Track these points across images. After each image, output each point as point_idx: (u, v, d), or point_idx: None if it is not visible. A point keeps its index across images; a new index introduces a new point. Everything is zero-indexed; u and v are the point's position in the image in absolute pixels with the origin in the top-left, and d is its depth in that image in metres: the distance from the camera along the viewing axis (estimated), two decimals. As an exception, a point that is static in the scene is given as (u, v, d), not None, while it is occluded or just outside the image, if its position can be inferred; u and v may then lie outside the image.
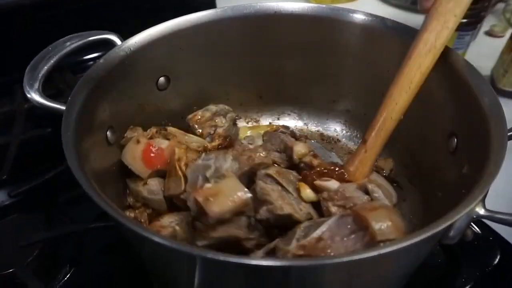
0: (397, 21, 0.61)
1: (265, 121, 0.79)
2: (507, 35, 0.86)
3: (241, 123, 0.76)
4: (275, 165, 0.59)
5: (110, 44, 0.60)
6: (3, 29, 0.85)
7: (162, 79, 0.65)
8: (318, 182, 0.52)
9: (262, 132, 0.68)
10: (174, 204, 0.56)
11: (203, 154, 0.57)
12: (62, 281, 0.58)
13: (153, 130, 0.61)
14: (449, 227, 0.39)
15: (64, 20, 0.90)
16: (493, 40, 1.03)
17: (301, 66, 0.70)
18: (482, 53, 0.94)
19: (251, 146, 0.62)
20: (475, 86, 0.50)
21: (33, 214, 0.64)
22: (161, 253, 0.42)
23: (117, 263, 0.61)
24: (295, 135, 0.68)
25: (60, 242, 0.62)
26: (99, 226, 0.60)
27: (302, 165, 0.59)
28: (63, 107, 0.49)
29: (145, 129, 0.62)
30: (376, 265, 0.39)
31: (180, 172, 0.54)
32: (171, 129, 0.63)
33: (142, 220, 0.57)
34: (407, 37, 0.59)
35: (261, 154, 0.56)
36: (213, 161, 0.54)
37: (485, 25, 1.01)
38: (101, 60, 0.55)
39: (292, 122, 0.78)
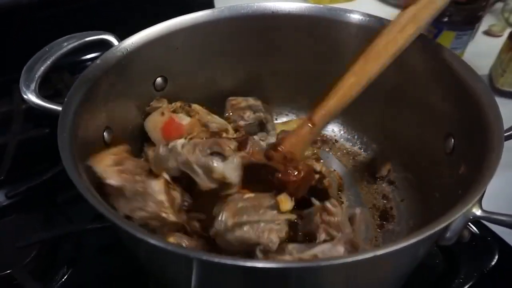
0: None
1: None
2: (506, 35, 0.86)
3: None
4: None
5: (107, 45, 0.59)
6: (1, 29, 0.85)
7: (159, 79, 0.65)
8: (328, 207, 0.50)
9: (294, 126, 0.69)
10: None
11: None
12: (60, 282, 0.58)
13: (178, 104, 0.64)
14: (446, 228, 0.39)
15: (63, 20, 0.89)
16: (491, 40, 1.02)
17: (298, 67, 0.70)
18: (480, 53, 0.94)
19: (263, 143, 0.63)
20: (472, 86, 0.50)
21: (31, 214, 0.64)
22: (157, 255, 0.42)
23: (115, 264, 0.60)
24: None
25: (58, 242, 0.62)
26: (97, 227, 0.60)
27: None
28: (60, 108, 0.49)
29: (143, 130, 0.62)
30: (373, 266, 0.39)
31: None
32: (195, 106, 0.64)
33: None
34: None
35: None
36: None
37: (484, 25, 1.01)
38: (98, 61, 0.55)
39: (290, 122, 0.78)
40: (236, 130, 0.66)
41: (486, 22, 1.03)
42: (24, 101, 0.53)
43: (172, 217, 0.47)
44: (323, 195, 0.56)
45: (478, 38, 1.00)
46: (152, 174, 0.51)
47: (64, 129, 0.46)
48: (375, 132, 0.72)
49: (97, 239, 0.63)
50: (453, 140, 0.53)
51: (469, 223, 0.42)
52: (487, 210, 0.40)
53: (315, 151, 0.68)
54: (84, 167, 0.46)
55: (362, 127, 0.74)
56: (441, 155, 0.54)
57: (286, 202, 0.47)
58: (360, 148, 0.74)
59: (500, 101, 0.46)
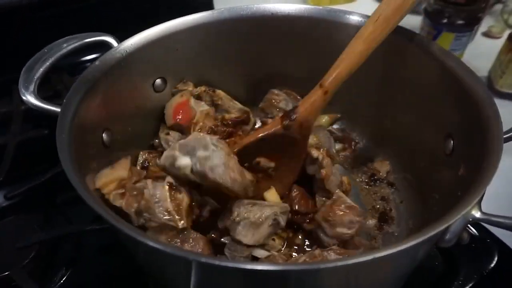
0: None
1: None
2: (505, 36, 0.86)
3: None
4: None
5: (107, 46, 0.59)
6: (1, 29, 0.85)
7: (158, 80, 0.65)
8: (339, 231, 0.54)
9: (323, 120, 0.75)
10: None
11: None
12: (59, 283, 0.58)
13: (202, 88, 0.67)
14: (445, 230, 0.39)
15: (63, 21, 0.89)
16: (490, 41, 1.03)
17: (297, 68, 0.70)
18: (479, 54, 0.94)
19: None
20: (471, 87, 0.50)
21: (30, 215, 0.64)
22: (156, 257, 0.41)
23: (115, 264, 0.60)
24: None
25: (57, 243, 0.62)
26: (96, 228, 0.60)
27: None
28: (58, 109, 0.49)
29: (144, 130, 0.63)
30: (373, 268, 0.39)
31: None
32: (219, 92, 0.68)
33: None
34: (402, 38, 0.59)
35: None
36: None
37: (483, 26, 1.01)
38: (97, 62, 0.55)
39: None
40: (263, 123, 0.70)
41: (486, 23, 1.03)
42: (23, 102, 0.53)
43: (181, 224, 0.48)
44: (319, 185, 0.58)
45: (477, 40, 1.00)
46: (156, 179, 0.51)
47: (63, 130, 0.46)
48: (374, 133, 0.72)
49: (97, 239, 0.63)
50: (452, 141, 0.53)
51: (469, 225, 0.42)
52: (486, 212, 0.40)
53: (318, 140, 0.68)
54: (83, 167, 0.46)
55: (361, 128, 0.74)
56: (440, 156, 0.54)
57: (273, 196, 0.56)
58: (359, 149, 0.74)
59: (500, 103, 0.46)
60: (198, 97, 0.67)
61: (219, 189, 0.50)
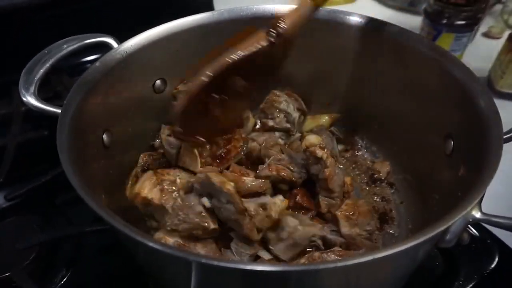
0: (393, 24, 0.61)
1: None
2: (505, 37, 0.86)
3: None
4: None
5: (107, 47, 0.60)
6: (1, 30, 0.85)
7: (158, 81, 0.65)
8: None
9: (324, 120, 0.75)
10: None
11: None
12: (59, 284, 0.58)
13: None
14: (445, 230, 0.39)
15: (63, 22, 0.89)
16: (490, 42, 1.03)
17: (298, 69, 0.70)
18: (479, 55, 0.95)
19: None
20: (471, 88, 0.50)
21: (30, 216, 0.64)
22: (156, 257, 0.41)
23: (115, 264, 0.60)
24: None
25: (57, 244, 0.62)
26: (97, 229, 0.60)
27: None
28: (59, 110, 0.49)
29: (144, 131, 0.63)
30: (373, 269, 0.39)
31: (196, 151, 0.59)
32: None
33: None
34: (402, 39, 0.59)
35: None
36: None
37: (483, 27, 1.01)
38: (97, 63, 0.55)
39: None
40: (263, 124, 0.69)
41: (485, 24, 1.03)
42: (23, 103, 0.53)
43: (212, 225, 0.50)
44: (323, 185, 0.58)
45: (477, 40, 1.01)
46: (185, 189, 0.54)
47: (63, 131, 0.46)
48: (375, 133, 0.72)
49: (97, 239, 0.63)
50: (452, 141, 0.53)
51: (469, 226, 0.41)
52: (486, 212, 0.40)
53: (322, 140, 0.68)
54: (83, 168, 0.46)
55: (362, 129, 0.74)
56: (440, 156, 0.54)
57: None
58: (359, 150, 0.74)
59: (500, 103, 0.46)
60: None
61: None
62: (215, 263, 0.33)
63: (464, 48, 0.93)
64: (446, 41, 0.90)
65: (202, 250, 0.51)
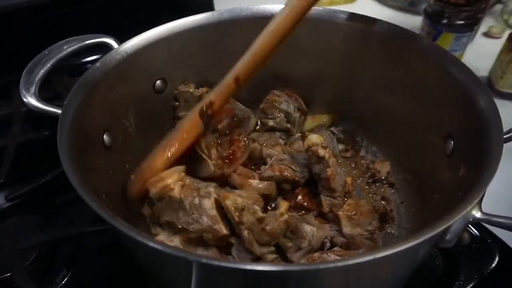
0: (393, 24, 0.61)
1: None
2: (505, 36, 0.86)
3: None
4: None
5: (107, 47, 0.60)
6: (2, 31, 0.85)
7: (159, 82, 0.65)
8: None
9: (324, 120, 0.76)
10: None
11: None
12: (60, 284, 0.58)
13: (204, 90, 0.66)
14: (446, 230, 0.39)
15: (63, 22, 0.89)
16: (491, 41, 1.03)
17: (298, 69, 0.70)
18: (479, 55, 0.95)
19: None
20: (471, 88, 0.50)
21: (31, 216, 0.64)
22: (156, 257, 0.41)
23: (115, 264, 0.60)
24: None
25: (57, 245, 0.62)
26: (97, 229, 0.60)
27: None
28: (59, 111, 0.49)
29: (143, 132, 0.62)
30: (373, 269, 0.39)
31: (204, 155, 0.58)
32: None
33: None
34: (402, 39, 0.59)
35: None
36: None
37: (483, 27, 1.01)
38: (98, 64, 0.55)
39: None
40: (263, 124, 0.70)
41: (486, 23, 1.03)
42: (24, 103, 0.53)
43: (224, 230, 0.50)
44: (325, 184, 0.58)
45: (477, 40, 1.01)
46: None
47: (64, 131, 0.46)
48: (375, 134, 0.72)
49: (98, 239, 0.63)
50: (452, 141, 0.53)
51: (469, 225, 0.42)
52: (487, 212, 0.40)
53: (323, 139, 0.68)
54: (84, 169, 0.46)
55: (362, 129, 0.74)
56: (440, 156, 0.54)
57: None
58: (359, 150, 0.74)
59: (500, 103, 0.46)
60: (200, 98, 0.66)
61: None
62: (216, 263, 0.33)
63: (464, 48, 0.93)
64: (446, 41, 0.90)
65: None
